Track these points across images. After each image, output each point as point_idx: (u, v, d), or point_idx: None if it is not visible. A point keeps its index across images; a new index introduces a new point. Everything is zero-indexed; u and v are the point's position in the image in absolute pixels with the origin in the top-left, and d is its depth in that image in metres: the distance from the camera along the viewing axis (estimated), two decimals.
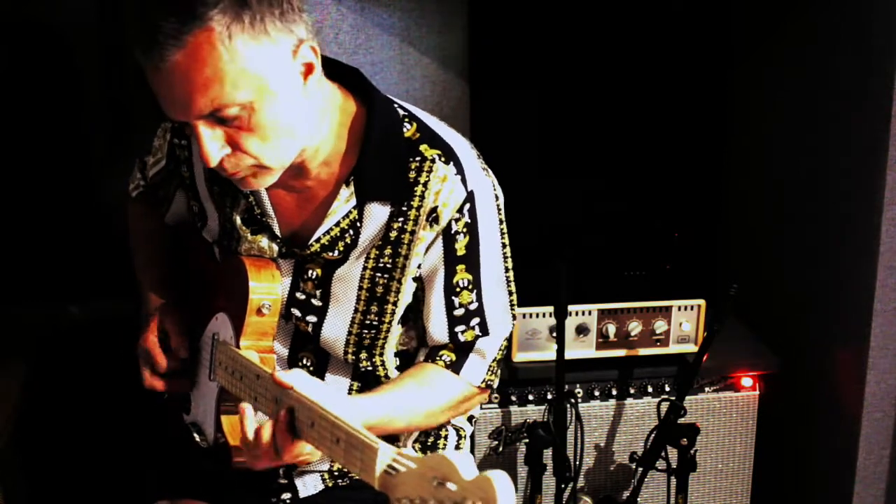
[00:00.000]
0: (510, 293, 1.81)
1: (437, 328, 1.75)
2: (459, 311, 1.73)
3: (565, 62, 2.69)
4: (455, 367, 1.76)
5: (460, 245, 1.69)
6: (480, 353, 1.77)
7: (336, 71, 1.68)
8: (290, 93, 1.53)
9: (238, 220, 1.75)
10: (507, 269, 1.79)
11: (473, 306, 1.74)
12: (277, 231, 1.73)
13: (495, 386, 1.83)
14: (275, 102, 1.51)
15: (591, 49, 2.68)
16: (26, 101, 2.51)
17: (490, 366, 1.79)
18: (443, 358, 1.76)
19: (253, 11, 1.46)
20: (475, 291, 1.73)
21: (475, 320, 1.75)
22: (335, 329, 1.75)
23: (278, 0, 1.50)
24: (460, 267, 1.71)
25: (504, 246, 1.77)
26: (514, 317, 1.82)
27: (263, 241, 1.74)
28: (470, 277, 1.72)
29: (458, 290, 1.72)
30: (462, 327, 1.74)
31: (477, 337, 1.76)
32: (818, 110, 2.45)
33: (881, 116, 2.18)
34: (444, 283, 1.71)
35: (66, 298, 2.56)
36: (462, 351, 1.76)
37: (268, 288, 1.71)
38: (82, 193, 2.60)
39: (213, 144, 1.52)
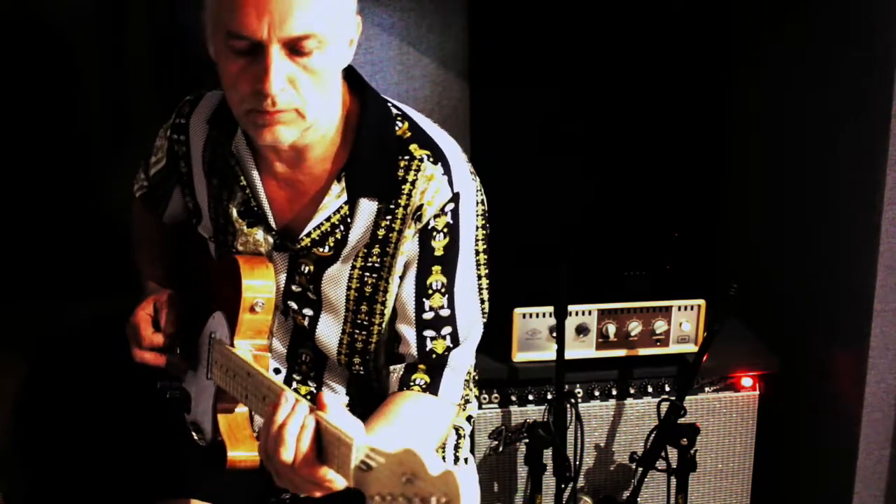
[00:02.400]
0: (482, 301, 1.79)
1: (405, 329, 1.72)
2: (429, 315, 1.71)
3: (565, 62, 2.69)
4: (432, 388, 1.72)
5: (438, 245, 1.69)
6: (453, 368, 1.74)
7: None
8: (342, 46, 1.60)
9: (234, 212, 1.76)
10: (480, 277, 1.77)
11: (445, 313, 1.72)
12: (272, 223, 1.73)
13: (470, 399, 1.81)
14: (335, 48, 1.57)
15: (590, 49, 2.69)
16: (26, 101, 2.51)
17: (465, 380, 1.78)
18: (417, 382, 1.72)
19: None
20: (447, 296, 1.71)
21: (446, 329, 1.72)
22: (328, 329, 1.76)
23: None
24: (436, 268, 1.70)
25: (478, 253, 1.76)
26: (483, 326, 1.80)
27: (259, 234, 1.75)
28: (444, 280, 1.70)
29: (430, 292, 1.71)
30: (431, 333, 1.72)
31: (448, 349, 1.73)
32: (818, 110, 2.45)
33: (881, 116, 2.18)
34: (416, 282, 1.70)
35: (66, 298, 2.56)
36: (435, 368, 1.73)
37: (261, 286, 1.71)
38: (82, 193, 2.60)
39: (279, 74, 1.53)
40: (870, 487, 2.42)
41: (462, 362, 1.75)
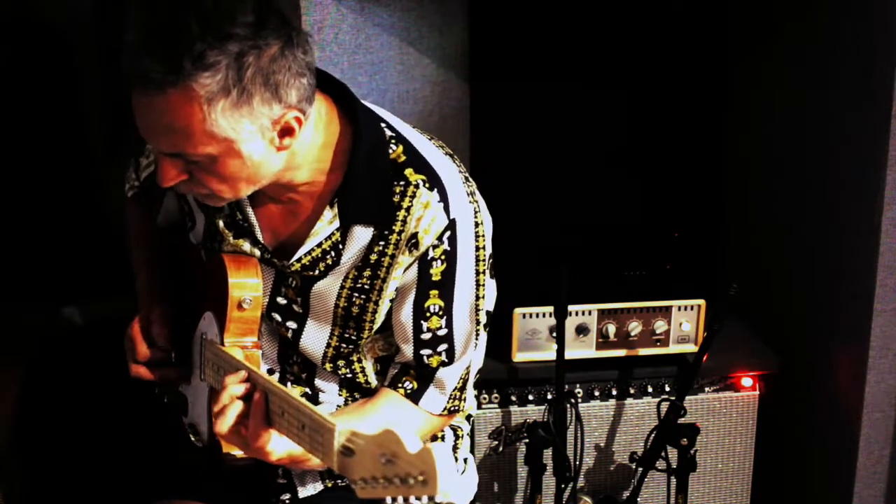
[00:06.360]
0: (478, 322, 1.78)
1: (403, 346, 1.74)
2: (427, 336, 1.72)
3: (566, 62, 2.69)
4: (414, 397, 1.75)
5: (436, 271, 1.68)
6: (439, 383, 1.76)
7: (324, 81, 1.65)
8: (258, 153, 1.53)
9: (221, 223, 1.75)
10: (478, 298, 1.75)
11: (442, 332, 1.72)
12: (260, 237, 1.73)
13: (463, 408, 1.81)
14: (238, 159, 1.52)
15: (591, 49, 2.69)
16: (26, 100, 2.51)
17: (451, 394, 1.78)
18: (404, 385, 1.75)
19: (244, 86, 1.46)
20: (445, 318, 1.72)
21: (443, 346, 1.73)
22: (314, 342, 1.76)
23: (274, 80, 1.48)
24: (433, 292, 1.69)
25: (479, 274, 1.74)
26: (476, 346, 1.79)
27: (245, 246, 1.74)
28: (441, 304, 1.70)
29: (427, 315, 1.71)
30: (428, 351, 1.73)
31: (441, 364, 1.74)
32: (818, 110, 2.45)
33: (881, 116, 2.18)
34: (414, 305, 1.70)
35: (66, 298, 2.55)
36: (423, 379, 1.75)
37: (247, 283, 1.71)
38: (82, 193, 2.60)
39: (169, 170, 1.54)
40: (870, 487, 2.42)
41: (449, 380, 1.77)
